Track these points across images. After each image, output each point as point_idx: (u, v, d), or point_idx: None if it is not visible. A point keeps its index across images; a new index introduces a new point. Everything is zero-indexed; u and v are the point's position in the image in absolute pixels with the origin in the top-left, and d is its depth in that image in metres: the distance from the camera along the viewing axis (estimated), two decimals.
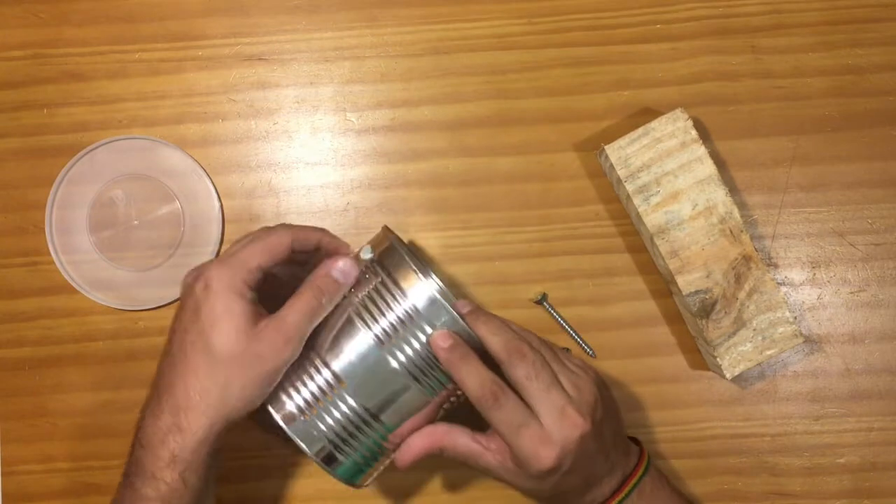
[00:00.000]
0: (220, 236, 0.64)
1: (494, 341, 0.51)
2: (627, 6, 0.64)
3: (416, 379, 0.51)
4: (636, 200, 0.59)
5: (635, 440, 0.58)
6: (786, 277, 0.63)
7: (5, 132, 0.64)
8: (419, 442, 0.52)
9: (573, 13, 0.64)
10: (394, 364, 0.51)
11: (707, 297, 0.58)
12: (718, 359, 0.58)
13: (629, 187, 0.59)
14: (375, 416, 0.51)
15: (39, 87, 0.64)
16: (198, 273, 0.49)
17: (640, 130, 0.59)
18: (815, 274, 0.63)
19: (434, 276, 0.58)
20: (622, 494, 0.53)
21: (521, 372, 0.50)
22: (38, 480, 0.64)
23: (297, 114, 0.65)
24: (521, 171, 0.64)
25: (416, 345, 0.51)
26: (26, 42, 0.65)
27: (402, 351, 0.51)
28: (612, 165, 0.59)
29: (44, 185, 0.64)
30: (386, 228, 0.56)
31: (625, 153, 0.59)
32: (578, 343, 0.63)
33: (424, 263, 0.60)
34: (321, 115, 0.65)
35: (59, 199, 0.64)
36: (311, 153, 0.65)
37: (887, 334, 0.63)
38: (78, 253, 0.64)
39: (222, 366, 0.47)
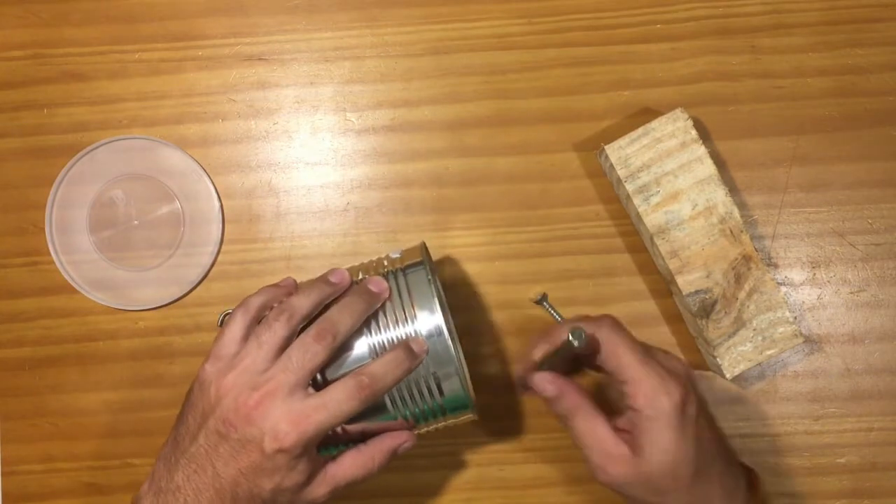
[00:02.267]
0: (220, 236, 0.64)
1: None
2: (627, 6, 0.64)
3: (393, 403, 0.51)
4: (636, 200, 0.59)
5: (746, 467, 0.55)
6: (786, 277, 0.63)
7: (5, 132, 0.64)
8: (562, 383, 0.50)
9: (573, 13, 0.64)
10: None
11: (707, 297, 0.58)
12: (718, 359, 0.58)
13: (629, 187, 0.59)
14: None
15: (39, 87, 0.65)
16: (263, 415, 0.46)
17: (640, 130, 0.59)
18: (815, 274, 0.63)
19: (447, 314, 0.58)
20: None
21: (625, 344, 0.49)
22: (39, 480, 0.64)
23: (297, 114, 0.65)
24: (521, 171, 0.64)
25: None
26: (26, 42, 0.65)
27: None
28: (612, 165, 0.59)
29: (44, 185, 0.64)
30: (423, 246, 0.56)
31: (625, 153, 0.59)
32: None
33: (443, 298, 0.60)
34: (321, 115, 0.65)
35: (59, 199, 0.64)
36: (311, 153, 0.65)
37: (887, 334, 0.63)
38: (78, 253, 0.64)
39: None
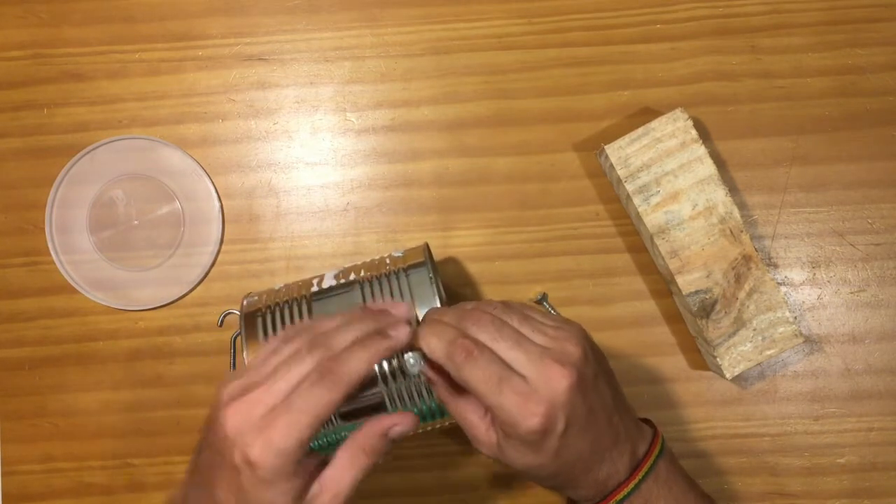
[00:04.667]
0: (220, 236, 0.64)
1: (434, 345, 0.46)
2: (627, 6, 0.64)
3: (391, 402, 0.51)
4: (636, 200, 0.59)
5: (647, 421, 0.53)
6: (786, 277, 0.63)
7: (5, 132, 0.65)
8: (429, 372, 0.47)
9: (573, 13, 0.64)
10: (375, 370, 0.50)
11: (707, 297, 0.58)
12: (718, 359, 0.58)
13: (629, 187, 0.59)
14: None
15: (39, 87, 0.65)
16: (236, 427, 0.42)
17: (640, 130, 0.59)
18: (815, 274, 0.63)
19: None
20: (638, 477, 0.47)
21: (484, 336, 0.45)
22: (39, 480, 0.64)
23: (297, 114, 0.65)
24: (521, 171, 0.64)
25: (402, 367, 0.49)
26: (26, 42, 0.65)
27: (389, 364, 0.50)
28: (612, 165, 0.59)
29: (44, 185, 0.64)
30: (426, 247, 0.56)
31: (625, 153, 0.59)
32: None
33: (444, 299, 0.60)
34: (321, 115, 0.65)
35: (59, 199, 0.64)
36: (311, 153, 0.65)
37: (887, 334, 0.63)
38: (78, 253, 0.64)
39: None
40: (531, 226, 0.64)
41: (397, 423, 0.46)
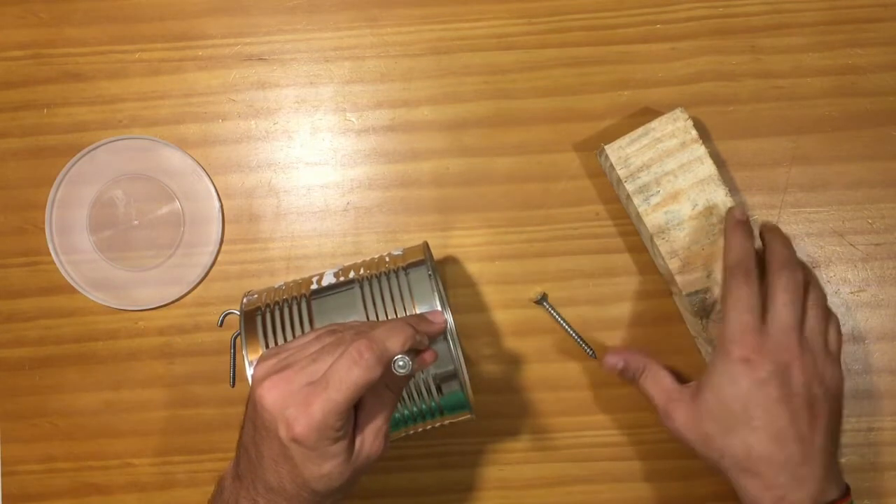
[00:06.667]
0: (220, 236, 0.64)
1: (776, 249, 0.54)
2: (627, 6, 0.64)
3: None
4: (636, 200, 0.59)
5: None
6: None
7: (5, 132, 0.65)
8: (626, 353, 0.57)
9: (573, 13, 0.64)
10: None
11: (707, 297, 0.58)
12: None
13: (629, 187, 0.59)
14: None
15: (39, 87, 0.65)
16: (277, 403, 0.44)
17: (640, 130, 0.59)
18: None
19: (448, 313, 0.58)
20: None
21: (786, 273, 0.53)
22: (39, 480, 0.64)
23: (297, 114, 0.65)
24: (521, 171, 0.64)
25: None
26: (26, 42, 0.65)
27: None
28: (612, 165, 0.59)
29: (44, 185, 0.64)
30: (426, 245, 0.56)
31: (625, 153, 0.59)
32: (578, 343, 0.63)
33: (444, 297, 0.60)
34: (321, 115, 0.65)
35: (59, 199, 0.64)
36: (311, 153, 0.65)
37: (887, 334, 0.63)
38: (78, 253, 0.64)
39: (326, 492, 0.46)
40: (531, 226, 0.64)
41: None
